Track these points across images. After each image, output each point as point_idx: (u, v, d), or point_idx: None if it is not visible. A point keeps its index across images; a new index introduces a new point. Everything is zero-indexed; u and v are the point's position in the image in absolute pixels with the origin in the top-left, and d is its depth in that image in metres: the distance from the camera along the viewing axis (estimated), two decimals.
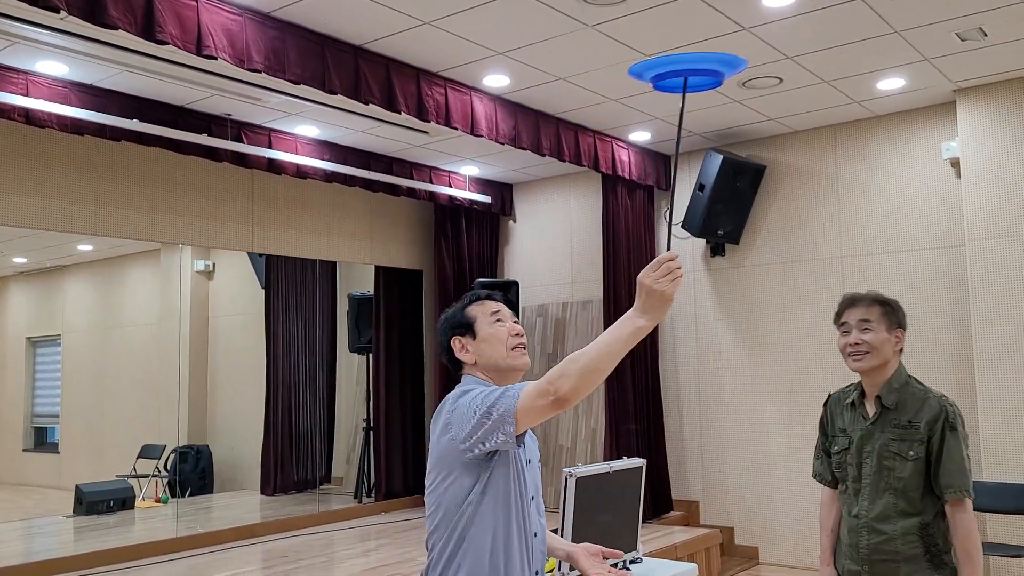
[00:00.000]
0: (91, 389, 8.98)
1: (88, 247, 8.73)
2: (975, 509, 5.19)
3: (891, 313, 2.68)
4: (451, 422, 1.99)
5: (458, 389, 2.10)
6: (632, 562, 3.29)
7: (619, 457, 6.44)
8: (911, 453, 2.55)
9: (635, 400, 6.73)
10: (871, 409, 2.67)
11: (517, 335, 2.17)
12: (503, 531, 1.99)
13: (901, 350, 2.70)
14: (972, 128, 5.61)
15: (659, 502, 6.72)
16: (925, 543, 2.54)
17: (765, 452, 6.60)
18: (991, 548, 5.11)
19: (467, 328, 2.19)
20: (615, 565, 2.81)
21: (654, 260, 1.84)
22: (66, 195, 5.66)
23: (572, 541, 2.88)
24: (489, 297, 2.24)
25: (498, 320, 2.19)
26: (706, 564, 6.14)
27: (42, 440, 9.33)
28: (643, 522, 6.50)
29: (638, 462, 3.24)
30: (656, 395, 6.93)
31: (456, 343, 2.19)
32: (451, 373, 6.85)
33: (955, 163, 5.85)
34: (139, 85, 5.24)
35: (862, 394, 2.72)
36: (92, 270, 9.38)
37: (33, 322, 9.64)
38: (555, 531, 3.12)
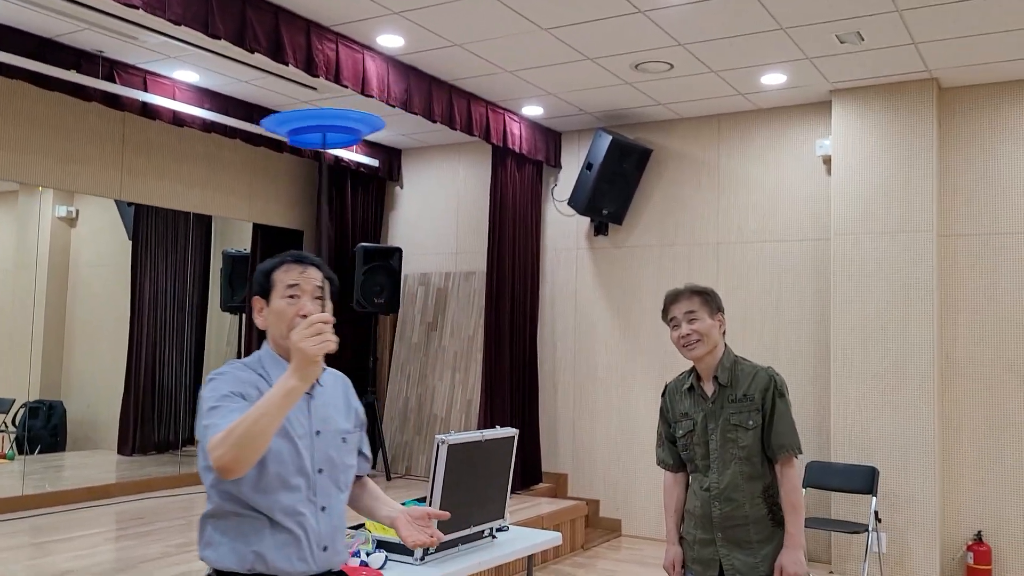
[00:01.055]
0: None
1: None
2: (825, 488, 5.51)
3: (710, 300, 2.85)
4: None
5: (217, 370, 2.02)
6: (499, 530, 3.32)
7: (493, 427, 6.49)
8: (750, 422, 2.75)
9: (511, 371, 6.79)
10: (709, 389, 2.84)
11: (303, 316, 1.96)
12: (264, 508, 1.95)
13: (724, 332, 2.87)
14: (844, 128, 5.90)
15: (529, 473, 6.83)
16: (768, 504, 2.75)
17: (633, 429, 6.80)
18: (836, 525, 5.45)
19: (265, 292, 2.06)
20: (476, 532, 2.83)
21: (308, 318, 1.80)
22: None
23: (441, 508, 2.88)
24: (298, 262, 2.05)
25: (292, 295, 2.02)
26: (571, 535, 6.30)
27: None
28: (512, 493, 6.59)
29: (511, 432, 3.27)
30: (532, 368, 7.01)
31: (255, 304, 2.08)
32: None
33: (827, 160, 6.14)
34: (2, 12, 4.83)
35: (698, 378, 2.88)
36: None
37: None
38: (423, 499, 3.11)
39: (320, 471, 2.03)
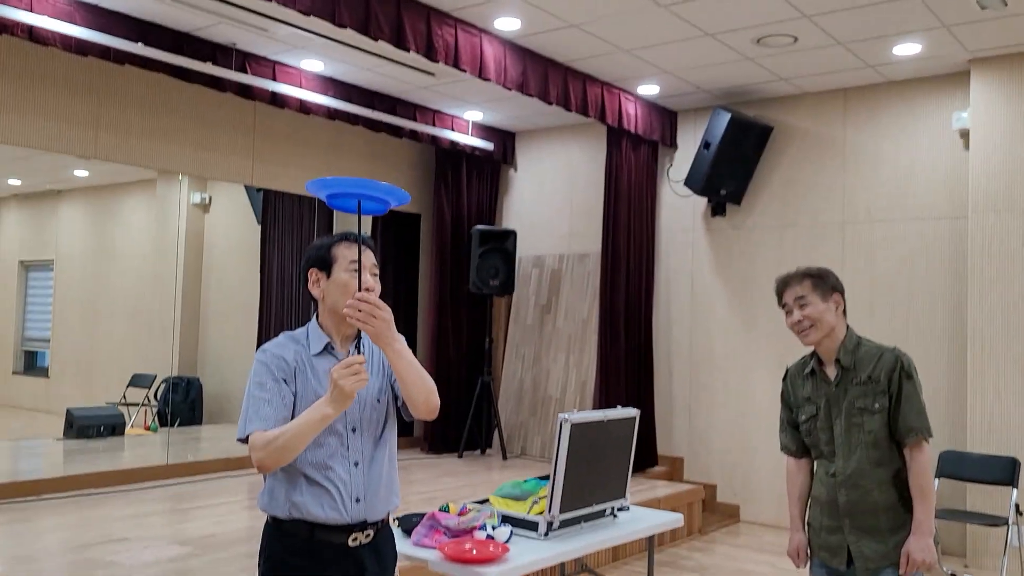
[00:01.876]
0: (83, 316, 8.97)
1: (84, 173, 8.64)
2: (960, 479, 5.27)
3: (821, 282, 2.74)
4: None
5: (267, 348, 2.21)
6: (620, 510, 3.33)
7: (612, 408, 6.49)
8: (876, 405, 2.64)
9: (626, 355, 6.77)
10: (831, 373, 2.75)
11: (367, 290, 2.14)
12: (304, 459, 2.14)
13: (844, 312, 2.76)
14: (984, 99, 5.57)
15: (644, 456, 6.79)
16: (899, 490, 2.64)
17: (751, 413, 6.66)
18: (972, 517, 5.20)
19: (326, 265, 2.22)
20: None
21: (345, 359, 2.05)
22: (65, 116, 5.58)
23: (563, 486, 2.92)
24: (360, 242, 2.20)
25: (355, 270, 2.17)
26: (688, 518, 6.23)
27: (32, 364, 9.35)
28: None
29: (632, 412, 3.27)
30: (648, 351, 6.96)
31: (312, 275, 2.23)
32: (445, 312, 6.85)
33: (964, 134, 5.81)
34: (144, 8, 5.13)
35: (819, 362, 2.78)
36: (87, 197, 9.31)
37: (27, 246, 9.59)
38: (544, 477, 3.15)
39: (354, 430, 2.20)
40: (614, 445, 3.17)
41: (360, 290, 2.10)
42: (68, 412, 7.56)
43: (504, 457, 7.36)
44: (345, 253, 2.21)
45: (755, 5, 4.79)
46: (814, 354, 2.81)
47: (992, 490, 5.33)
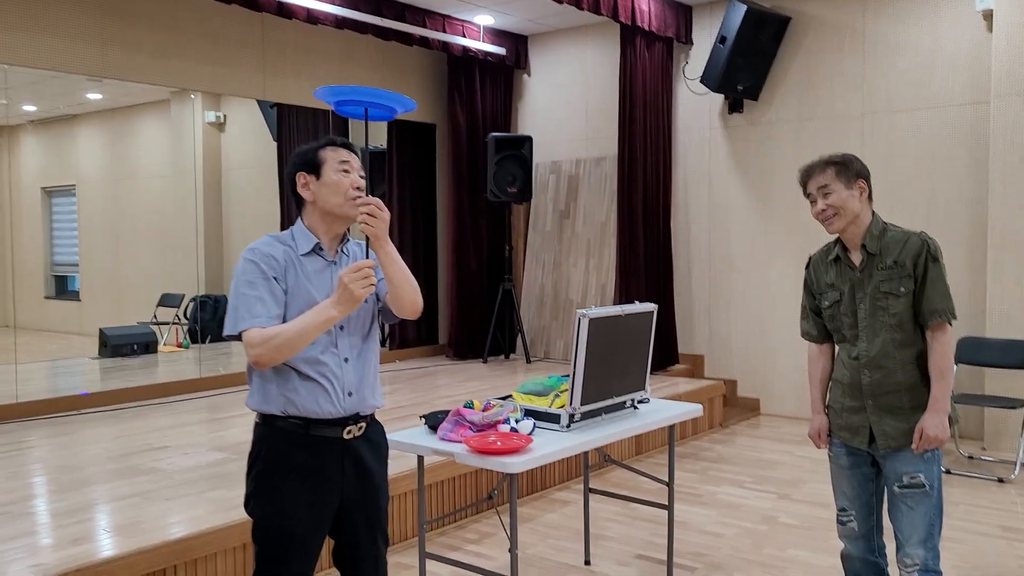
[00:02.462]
0: (108, 239, 9.10)
1: (98, 96, 8.63)
2: (978, 364, 5.33)
3: (844, 169, 2.73)
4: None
5: (254, 247, 2.25)
6: (640, 402, 3.43)
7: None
8: (902, 289, 2.67)
9: (645, 256, 6.80)
10: (857, 259, 2.76)
11: (358, 188, 2.26)
12: (295, 357, 2.20)
13: (870, 196, 2.77)
14: None
15: (665, 355, 6.90)
16: (921, 370, 2.69)
17: (772, 310, 6.72)
18: (990, 400, 5.28)
19: (314, 168, 2.27)
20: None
21: (355, 263, 2.12)
22: (73, 35, 5.55)
23: (584, 379, 3.00)
24: (344, 146, 2.30)
25: (344, 170, 2.25)
26: (709, 413, 6.38)
27: (63, 288, 9.54)
28: (650, 373, 6.72)
29: (649, 307, 3.32)
30: (667, 251, 6.99)
31: (301, 178, 2.28)
32: (464, 222, 6.90)
33: (988, 15, 5.65)
34: None
35: (844, 248, 2.80)
36: (103, 119, 9.31)
37: (47, 172, 9.66)
38: (566, 375, 3.24)
39: (342, 328, 2.28)
40: (632, 339, 3.24)
41: (354, 189, 2.22)
42: (101, 332, 7.77)
43: (528, 361, 7.50)
44: (332, 155, 2.27)
45: None
46: (838, 241, 2.82)
47: (1010, 374, 5.39)
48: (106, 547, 3.13)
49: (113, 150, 9.35)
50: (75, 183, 9.36)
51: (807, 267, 2.95)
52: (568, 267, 7.74)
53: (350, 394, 2.27)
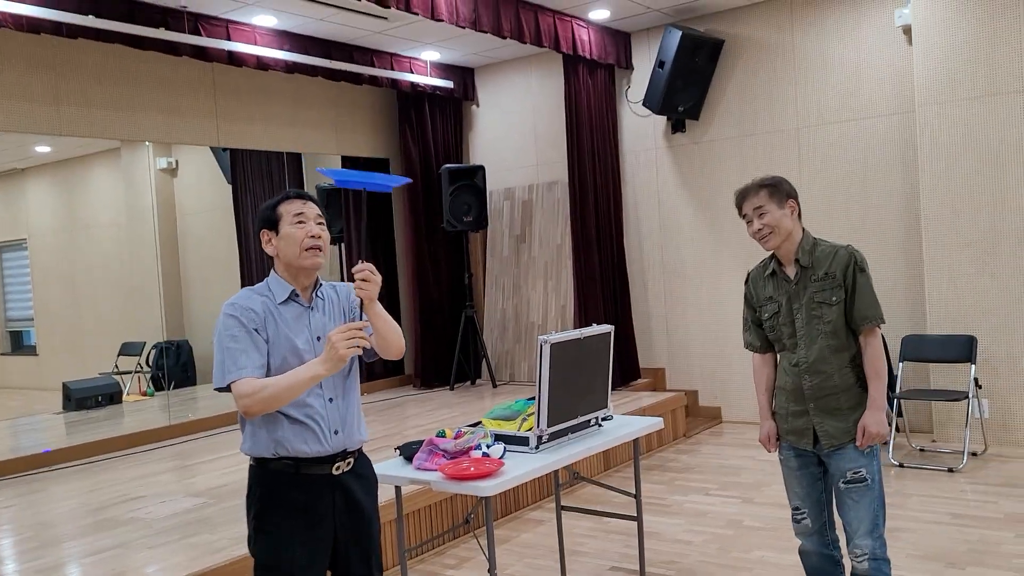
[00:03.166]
0: (64, 291, 9.05)
1: (47, 148, 8.63)
2: (922, 360, 5.59)
3: (776, 191, 2.94)
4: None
5: (233, 302, 2.37)
6: (604, 419, 3.59)
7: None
8: (834, 299, 2.89)
9: (602, 275, 7.00)
10: (791, 272, 2.98)
11: (313, 237, 2.38)
12: (290, 405, 2.34)
13: (800, 215, 2.98)
14: None
15: (627, 370, 7.09)
16: (855, 373, 2.91)
17: (725, 319, 6.95)
18: (935, 395, 5.54)
19: (273, 224, 2.41)
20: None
21: (346, 324, 2.27)
22: (26, 95, 5.62)
23: (548, 403, 3.15)
24: (299, 197, 2.42)
25: (299, 222, 2.38)
26: (672, 425, 6.57)
27: (19, 344, 9.45)
28: (613, 389, 6.87)
29: (607, 328, 3.49)
30: (622, 269, 7.20)
31: (263, 235, 2.44)
32: (423, 252, 7.04)
33: (907, 30, 5.98)
34: None
35: (779, 263, 3.02)
36: (53, 172, 9.28)
37: None
38: (532, 398, 3.38)
39: (331, 400, 2.41)
40: (593, 360, 3.40)
41: (308, 237, 2.38)
42: (64, 385, 7.73)
43: (494, 385, 7.64)
44: (288, 209, 2.41)
45: None
46: (773, 256, 3.03)
47: (952, 368, 5.67)
48: None
49: (64, 201, 9.32)
50: (26, 236, 9.32)
51: (746, 282, 3.15)
52: (527, 290, 7.92)
53: (336, 432, 2.40)
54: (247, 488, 2.43)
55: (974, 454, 5.48)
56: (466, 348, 7.87)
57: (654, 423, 3.69)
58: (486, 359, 7.72)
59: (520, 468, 2.99)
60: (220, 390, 2.31)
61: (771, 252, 3.02)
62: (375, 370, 8.12)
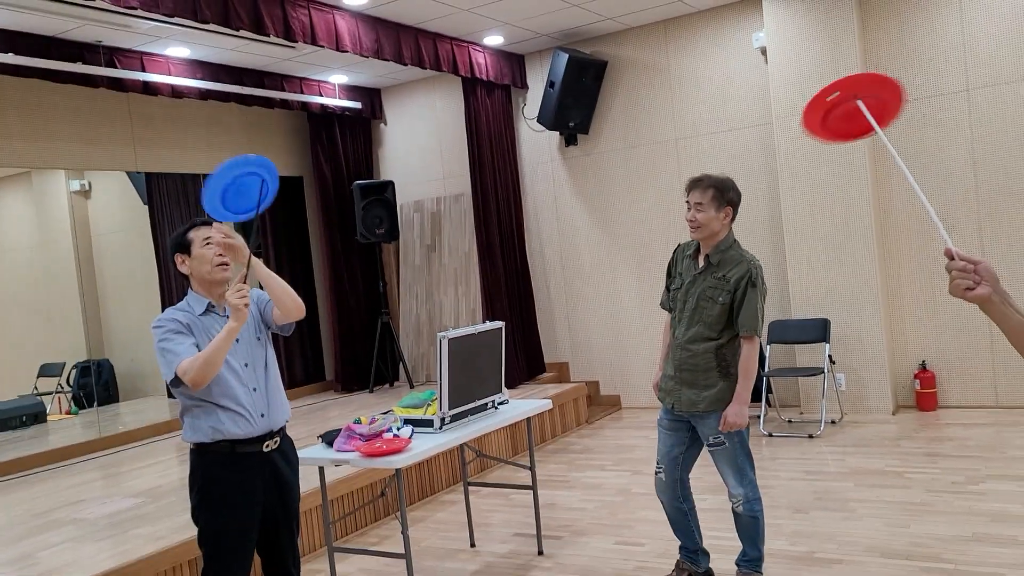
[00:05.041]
0: None
1: None
2: (786, 342, 6.30)
3: (719, 195, 3.42)
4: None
5: (159, 318, 2.84)
6: (500, 403, 4.15)
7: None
8: (720, 299, 3.43)
9: (506, 279, 7.58)
10: (701, 263, 3.51)
11: (219, 255, 2.86)
12: (213, 397, 2.82)
13: (732, 220, 3.48)
14: (774, 20, 6.50)
15: (533, 365, 7.69)
16: (717, 359, 3.47)
17: (621, 313, 7.62)
18: (797, 372, 6.30)
19: (185, 248, 2.89)
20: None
21: (234, 285, 2.72)
22: None
23: (449, 389, 3.70)
24: (204, 224, 2.91)
25: (207, 244, 2.86)
26: (575, 412, 7.20)
27: None
28: (520, 383, 7.44)
29: (499, 324, 4.06)
30: (524, 273, 7.80)
31: (178, 259, 2.92)
32: (339, 263, 7.55)
33: (764, 51, 6.75)
34: (9, 19, 5.45)
35: (697, 250, 3.55)
36: None
37: None
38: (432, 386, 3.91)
39: (246, 365, 2.90)
40: (487, 352, 3.97)
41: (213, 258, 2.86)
42: None
43: (411, 386, 8.14)
44: (196, 235, 2.88)
45: None
46: (697, 243, 3.51)
47: (814, 348, 6.45)
48: None
49: None
50: None
51: (674, 251, 3.66)
52: (440, 296, 8.44)
53: (262, 415, 2.90)
54: (190, 470, 2.91)
55: (832, 422, 6.26)
56: (383, 352, 8.34)
57: (543, 404, 4.28)
58: (403, 362, 8.22)
59: (426, 444, 3.53)
60: (172, 382, 2.76)
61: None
62: (297, 377, 8.52)
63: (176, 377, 2.73)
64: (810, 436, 5.98)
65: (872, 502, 4.50)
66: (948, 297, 6.30)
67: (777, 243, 6.84)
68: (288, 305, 2.91)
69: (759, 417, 6.32)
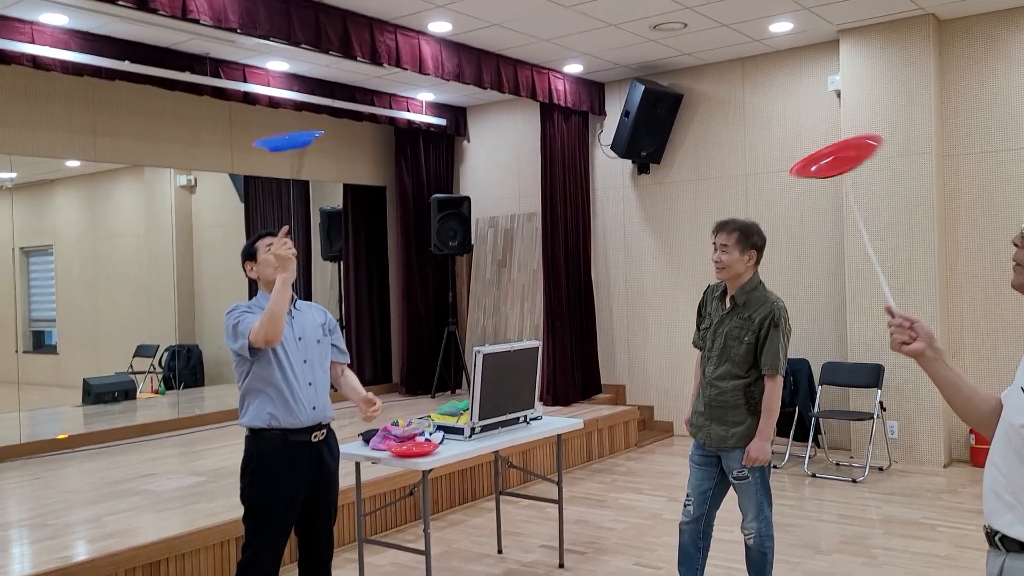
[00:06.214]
0: (85, 295, 9.89)
1: (76, 163, 9.51)
2: (838, 384, 6.28)
3: (744, 239, 3.57)
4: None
5: (233, 306, 3.21)
6: (533, 419, 4.38)
7: (555, 347, 7.55)
8: (746, 339, 3.58)
9: (569, 298, 7.80)
10: (728, 303, 3.66)
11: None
12: (274, 385, 3.16)
13: (756, 263, 3.62)
14: (851, 64, 6.54)
15: (590, 385, 7.88)
16: (745, 396, 3.60)
17: (679, 342, 7.73)
18: (848, 415, 6.30)
19: (253, 256, 3.28)
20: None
21: (277, 237, 3.09)
22: (67, 127, 6.50)
23: (480, 400, 3.95)
24: (269, 234, 3.26)
25: (270, 248, 3.19)
26: (625, 435, 7.34)
27: (40, 343, 10.29)
28: (575, 402, 7.65)
29: (535, 343, 4.29)
30: (588, 294, 8.00)
31: (247, 266, 3.30)
32: (412, 273, 7.94)
33: (838, 93, 6.78)
34: (129, 31, 6.02)
35: (724, 291, 3.72)
36: (80, 184, 10.17)
37: (25, 233, 10.46)
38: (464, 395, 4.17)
39: (305, 361, 3.24)
40: (522, 368, 4.21)
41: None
42: (85, 381, 8.56)
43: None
44: (263, 243, 3.26)
45: (643, 2, 5.71)
46: (725, 284, 3.68)
47: (867, 392, 6.42)
48: (118, 544, 4.01)
49: (90, 211, 10.18)
50: (52, 242, 10.17)
51: (704, 292, 3.83)
52: (506, 310, 8.72)
53: (314, 408, 3.23)
54: (244, 453, 3.25)
55: (880, 469, 6.23)
56: (448, 360, 8.67)
57: (574, 423, 4.48)
58: (465, 371, 8.52)
59: (453, 450, 3.79)
60: (244, 348, 3.09)
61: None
62: (364, 377, 8.93)
63: (249, 345, 3.07)
64: (853, 481, 5.98)
65: (896, 551, 4.53)
66: (1009, 353, 6.19)
67: (838, 285, 6.84)
68: (264, 323, 3.05)
69: (804, 457, 6.34)
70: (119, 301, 9.68)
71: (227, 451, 6.25)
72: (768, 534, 3.62)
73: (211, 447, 6.46)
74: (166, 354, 9.44)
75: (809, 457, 6.37)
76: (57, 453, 6.38)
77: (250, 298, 3.36)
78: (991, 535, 1.73)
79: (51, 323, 10.18)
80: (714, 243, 3.64)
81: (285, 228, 3.12)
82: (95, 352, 9.77)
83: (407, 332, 8.68)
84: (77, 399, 8.52)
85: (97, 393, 8.48)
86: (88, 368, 9.28)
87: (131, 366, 9.32)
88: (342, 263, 9.30)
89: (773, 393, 3.55)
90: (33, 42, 5.66)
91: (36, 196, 10.45)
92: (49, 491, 5.17)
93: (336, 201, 9.26)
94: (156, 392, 9.29)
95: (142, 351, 9.46)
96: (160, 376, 9.42)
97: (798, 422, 6.48)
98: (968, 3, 6.01)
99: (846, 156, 2.32)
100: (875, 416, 6.14)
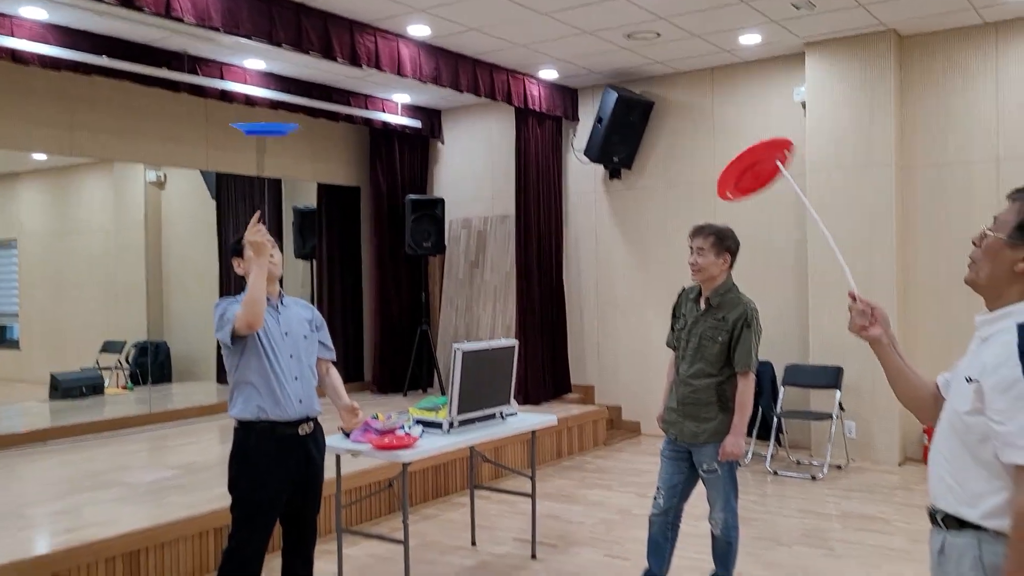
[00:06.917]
0: (50, 289, 9.79)
1: (42, 156, 9.43)
2: (799, 385, 6.49)
3: (719, 243, 3.73)
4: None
5: (221, 298, 3.33)
6: (509, 415, 4.50)
7: (527, 347, 7.68)
8: (719, 339, 3.74)
9: (541, 300, 7.94)
10: (703, 305, 3.82)
11: (270, 257, 3.27)
12: (261, 378, 3.25)
13: (731, 266, 3.79)
14: (816, 76, 6.77)
15: (560, 384, 8.03)
16: (717, 394, 3.76)
17: (648, 345, 7.91)
18: (808, 415, 6.52)
19: (239, 253, 3.33)
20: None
21: (249, 224, 3.15)
22: (44, 121, 6.50)
23: (459, 397, 4.07)
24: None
25: None
26: (594, 433, 7.50)
27: (2, 337, 10.17)
28: (545, 401, 7.78)
29: (512, 342, 4.42)
30: (559, 297, 8.14)
31: (234, 262, 3.37)
32: (386, 272, 8.04)
33: (804, 105, 7.01)
34: (108, 27, 6.04)
35: (699, 293, 3.87)
36: (45, 178, 10.07)
37: None
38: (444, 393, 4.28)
39: (291, 356, 3.33)
40: (499, 366, 4.33)
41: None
42: (52, 376, 8.50)
43: (443, 392, 8.53)
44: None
45: (618, 11, 5.87)
46: (699, 286, 3.83)
47: (827, 393, 6.64)
48: (97, 533, 4.06)
49: (56, 205, 10.08)
50: (16, 236, 10.07)
51: (679, 294, 3.98)
52: (478, 310, 8.84)
53: (300, 401, 3.33)
54: (233, 444, 3.33)
55: (838, 467, 6.46)
56: (420, 359, 8.76)
57: (548, 419, 4.62)
58: (437, 369, 8.62)
59: (432, 443, 3.90)
60: (229, 336, 3.16)
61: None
62: None
63: (234, 332, 3.14)
64: (813, 478, 6.19)
65: (854, 544, 4.73)
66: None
67: (801, 288, 7.06)
68: (245, 309, 3.14)
69: (766, 455, 6.55)
70: (85, 296, 9.60)
71: (201, 446, 6.30)
72: (734, 525, 3.79)
73: (182, 442, 6.49)
74: (134, 350, 9.40)
75: (771, 455, 6.57)
76: (27, 447, 6.36)
77: (221, 296, 3.44)
78: (933, 514, 1.89)
79: (14, 317, 10.07)
80: (691, 246, 3.79)
81: (257, 214, 3.18)
82: (59, 347, 9.68)
83: (380, 331, 8.76)
84: (41, 394, 8.46)
85: (65, 388, 8.44)
86: (52, 364, 9.19)
87: (97, 362, 9.26)
88: (315, 262, 9.35)
89: (746, 390, 3.71)
90: (12, 35, 5.67)
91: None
92: (22, 483, 5.19)
93: (309, 200, 9.30)
94: (123, 388, 9.24)
95: (109, 347, 9.40)
96: (127, 372, 9.38)
97: (761, 422, 6.68)
98: (927, 21, 6.26)
99: (760, 169, 2.46)
100: (834, 416, 6.36)
